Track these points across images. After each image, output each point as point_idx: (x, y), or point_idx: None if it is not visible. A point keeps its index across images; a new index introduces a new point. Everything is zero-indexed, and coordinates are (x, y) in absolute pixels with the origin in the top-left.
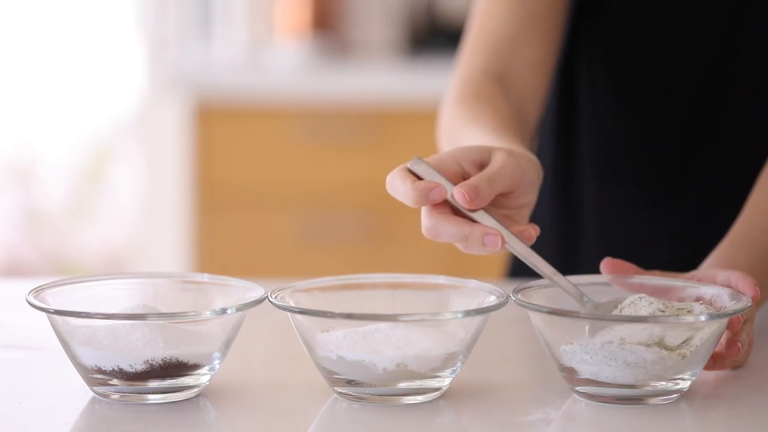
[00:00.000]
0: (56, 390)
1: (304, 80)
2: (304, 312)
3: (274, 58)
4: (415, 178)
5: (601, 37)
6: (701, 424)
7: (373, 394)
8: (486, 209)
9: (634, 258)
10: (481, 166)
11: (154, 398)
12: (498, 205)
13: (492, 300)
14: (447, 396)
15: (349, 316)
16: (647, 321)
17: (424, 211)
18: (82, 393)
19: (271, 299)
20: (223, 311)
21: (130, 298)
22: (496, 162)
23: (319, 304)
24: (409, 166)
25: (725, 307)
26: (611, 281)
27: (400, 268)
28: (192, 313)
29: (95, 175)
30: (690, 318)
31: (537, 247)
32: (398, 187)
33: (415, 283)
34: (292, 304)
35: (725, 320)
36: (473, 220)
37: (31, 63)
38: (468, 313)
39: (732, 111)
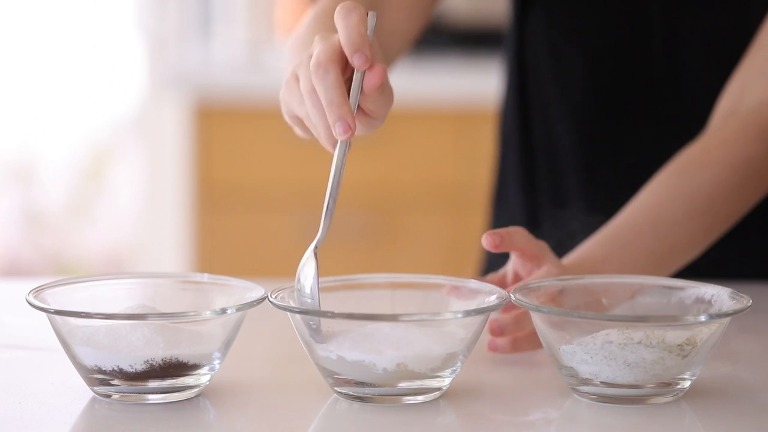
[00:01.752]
0: (56, 390)
1: None
2: (304, 312)
3: (274, 58)
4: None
5: (541, 35)
6: (701, 424)
7: (374, 394)
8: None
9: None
10: None
11: (154, 398)
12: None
13: (492, 300)
14: (447, 396)
15: (350, 316)
16: (648, 321)
17: (329, 50)
18: (82, 393)
19: (271, 299)
20: (223, 311)
21: (130, 298)
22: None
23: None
24: (369, 16)
25: (724, 307)
26: (606, 282)
27: (400, 268)
28: (192, 313)
29: (95, 175)
30: (690, 318)
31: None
32: (354, 21)
33: (415, 283)
34: (293, 304)
35: (726, 320)
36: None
37: (31, 63)
38: (468, 313)
39: (671, 108)
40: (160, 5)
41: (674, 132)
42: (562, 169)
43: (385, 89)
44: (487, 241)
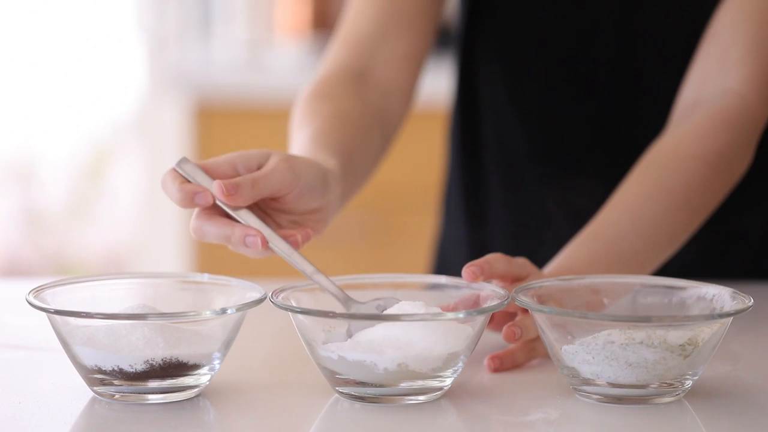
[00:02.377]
0: (56, 390)
1: (304, 80)
2: (305, 312)
3: (274, 58)
4: (184, 180)
5: (494, 40)
6: (702, 424)
7: (375, 394)
8: (255, 212)
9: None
10: (259, 170)
11: (154, 398)
12: (279, 209)
13: (493, 300)
14: (448, 396)
15: (351, 316)
16: (649, 321)
17: (194, 213)
18: (82, 393)
19: (272, 299)
20: (223, 311)
21: (130, 298)
22: (267, 166)
23: (320, 304)
24: (174, 166)
25: (724, 307)
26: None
27: (401, 268)
28: (192, 313)
29: (95, 175)
30: (692, 318)
31: (450, 264)
32: (168, 187)
33: (417, 283)
34: (294, 304)
35: (727, 320)
36: (240, 222)
37: (32, 63)
38: (469, 313)
39: (628, 111)
40: (160, 5)
41: (633, 127)
42: (516, 169)
43: (272, 178)
44: (466, 274)
